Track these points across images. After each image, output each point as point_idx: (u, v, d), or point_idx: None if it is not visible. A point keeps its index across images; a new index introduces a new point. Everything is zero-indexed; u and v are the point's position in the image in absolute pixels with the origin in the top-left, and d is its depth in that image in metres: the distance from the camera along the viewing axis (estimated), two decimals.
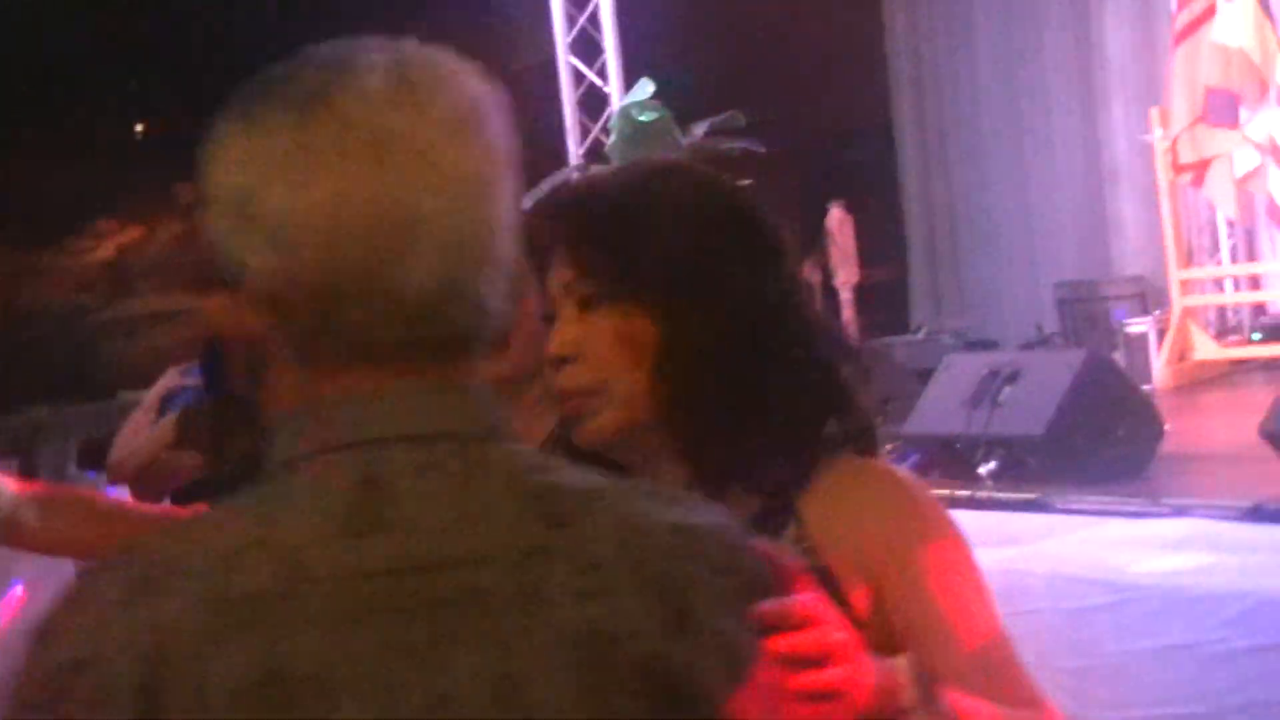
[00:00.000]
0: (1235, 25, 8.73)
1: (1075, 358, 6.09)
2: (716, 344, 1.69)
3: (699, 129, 8.03)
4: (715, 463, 1.70)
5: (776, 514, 1.70)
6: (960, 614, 1.69)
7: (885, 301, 10.51)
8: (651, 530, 1.18)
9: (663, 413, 1.70)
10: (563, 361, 1.72)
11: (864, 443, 1.77)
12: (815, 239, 9.07)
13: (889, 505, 1.72)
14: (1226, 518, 4.92)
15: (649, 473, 1.73)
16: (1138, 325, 9.03)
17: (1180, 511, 5.06)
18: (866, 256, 9.25)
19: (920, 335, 10.46)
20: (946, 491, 5.89)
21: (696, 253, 1.71)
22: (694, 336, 1.69)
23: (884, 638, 1.62)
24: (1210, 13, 8.93)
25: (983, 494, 5.74)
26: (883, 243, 10.71)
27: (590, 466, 1.57)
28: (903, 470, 1.84)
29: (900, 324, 10.84)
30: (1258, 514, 4.85)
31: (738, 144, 7.94)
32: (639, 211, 1.74)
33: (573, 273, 1.72)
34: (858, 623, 1.60)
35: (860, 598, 1.67)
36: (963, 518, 5.27)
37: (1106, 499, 5.40)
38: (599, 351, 1.70)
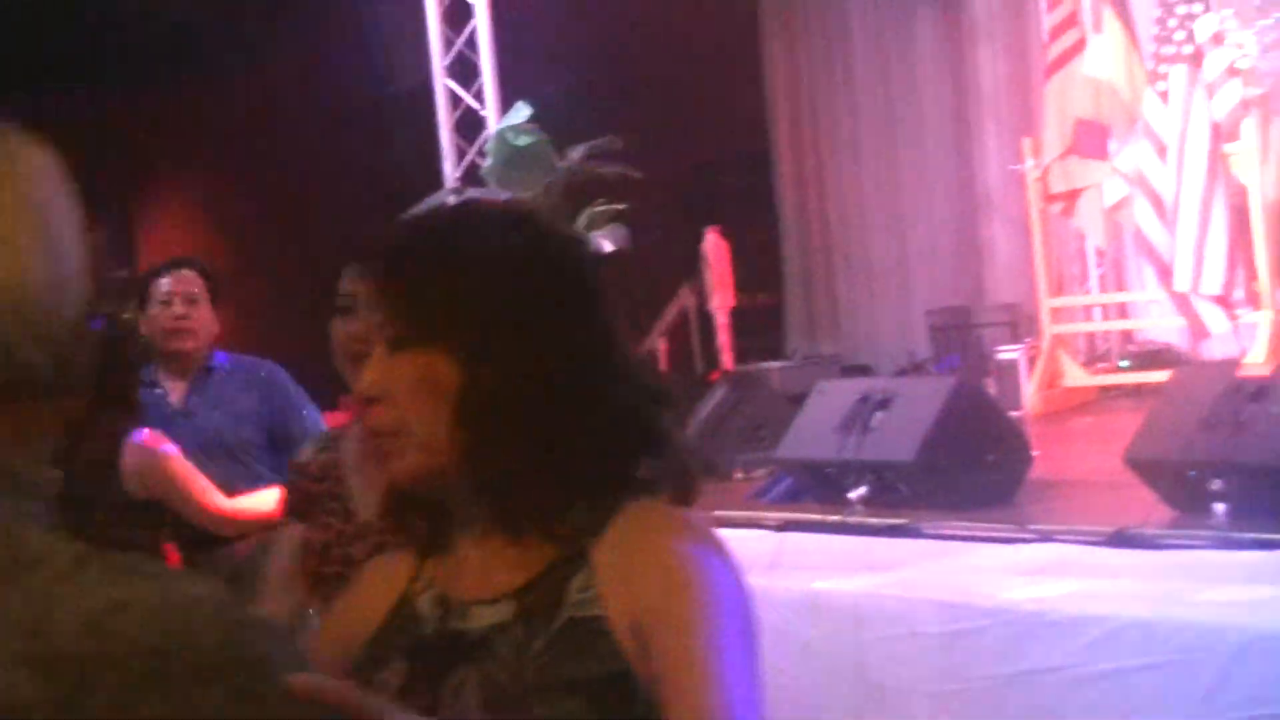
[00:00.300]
0: (1105, 58, 8.88)
1: (945, 385, 6.15)
2: (517, 391, 1.69)
3: (576, 153, 8.03)
4: (512, 509, 1.71)
5: (570, 561, 1.70)
6: (709, 681, 1.65)
7: (761, 327, 10.56)
8: (71, 606, 1.14)
9: (462, 457, 1.70)
10: (370, 401, 1.73)
11: (680, 487, 1.79)
12: (691, 263, 9.08)
13: (668, 558, 1.70)
14: (1091, 543, 4.98)
15: (461, 514, 1.74)
16: (1009, 352, 9.14)
17: (1046, 537, 5.12)
18: (742, 282, 9.27)
19: (795, 360, 10.52)
20: (818, 516, 5.94)
21: (500, 298, 1.72)
22: (494, 383, 1.69)
23: (650, 690, 1.63)
24: (1080, 45, 9.08)
25: (854, 519, 5.78)
26: (759, 268, 10.76)
27: (414, 506, 1.68)
28: (698, 521, 1.78)
29: (776, 349, 10.90)
30: (1121, 539, 4.92)
31: (614, 168, 7.94)
32: (444, 254, 1.75)
33: (382, 314, 1.73)
34: (627, 674, 1.63)
35: (631, 648, 1.66)
36: (834, 543, 5.34)
37: (975, 525, 5.45)
38: (402, 393, 1.70)
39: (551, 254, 1.79)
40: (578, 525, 1.71)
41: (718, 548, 1.75)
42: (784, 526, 5.91)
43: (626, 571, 1.68)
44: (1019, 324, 9.75)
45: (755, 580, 5.29)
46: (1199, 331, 8.59)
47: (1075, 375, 9.17)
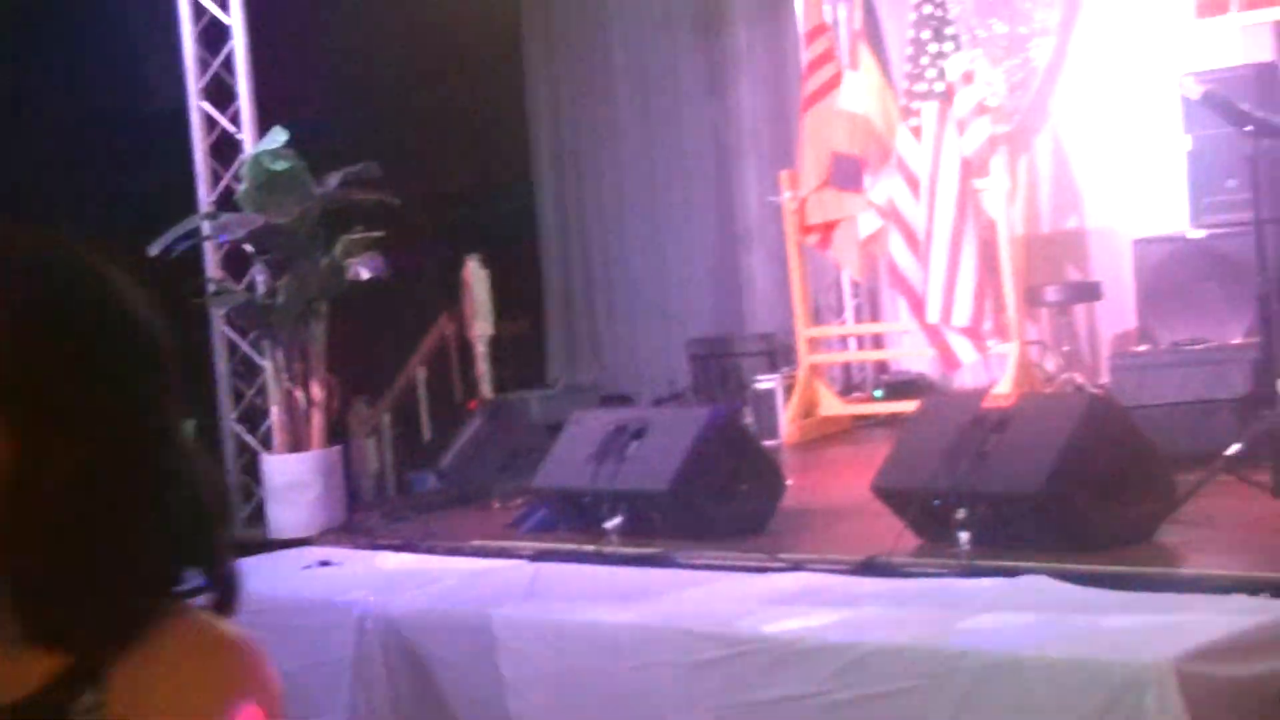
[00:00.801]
0: (860, 94, 9.05)
1: (699, 415, 6.19)
2: (33, 474, 1.46)
3: (333, 179, 7.92)
4: (18, 611, 1.49)
5: (79, 677, 1.49)
6: None
7: (522, 355, 10.52)
8: None
9: None
10: None
11: (223, 598, 1.55)
12: (451, 291, 9.02)
13: (189, 691, 1.49)
14: (840, 571, 5.05)
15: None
16: (766, 382, 9.25)
17: (797, 566, 5.18)
18: (504, 310, 9.24)
19: (556, 389, 10.52)
20: (573, 546, 5.93)
21: (18, 361, 1.46)
22: (14, 472, 1.46)
23: None
24: (836, 81, 9.24)
25: (608, 549, 5.79)
26: (521, 296, 10.74)
27: None
28: (238, 642, 1.53)
29: (536, 378, 10.88)
30: (869, 568, 4.99)
31: (373, 195, 7.86)
32: None
33: None
34: None
35: None
36: (589, 572, 5.32)
37: (728, 554, 5.50)
38: None
39: (95, 313, 1.52)
40: (96, 636, 1.48)
41: (250, 675, 1.53)
42: (539, 556, 5.90)
43: (145, 695, 1.47)
44: (777, 354, 9.86)
45: (509, 611, 5.29)
46: (950, 362, 8.78)
47: (831, 405, 9.32)
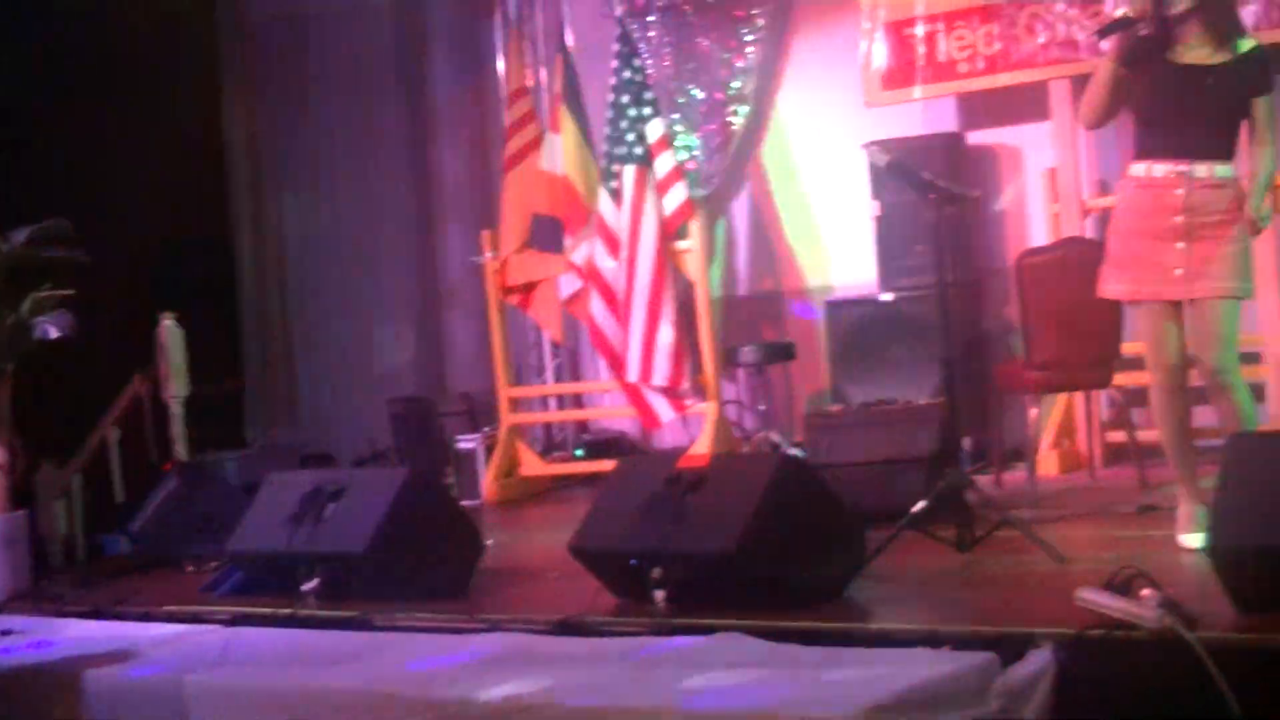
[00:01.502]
0: (561, 155, 9.13)
1: (397, 476, 6.15)
2: None
3: (19, 235, 7.67)
4: None
5: None
6: None
7: (220, 415, 10.31)
8: None
9: None
10: None
11: None
12: (146, 351, 8.79)
13: None
14: (538, 631, 5.06)
15: None
16: (467, 441, 9.23)
17: (495, 626, 5.17)
18: (202, 370, 9.04)
19: (254, 450, 10.33)
20: (269, 610, 5.82)
21: None
22: None
23: None
24: (538, 142, 9.31)
25: (305, 612, 5.70)
26: (219, 356, 10.54)
27: None
28: None
29: (235, 438, 10.67)
30: (566, 627, 5.01)
31: (62, 253, 7.63)
32: None
33: None
34: None
35: None
36: (285, 636, 5.21)
37: (427, 615, 5.45)
38: None
39: None
40: None
41: None
42: (234, 621, 5.78)
43: None
44: (478, 413, 9.85)
45: (202, 677, 5.14)
46: (649, 421, 8.88)
47: (532, 464, 9.34)
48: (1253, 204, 5.41)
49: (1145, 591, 4.28)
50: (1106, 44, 5.58)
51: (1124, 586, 4.36)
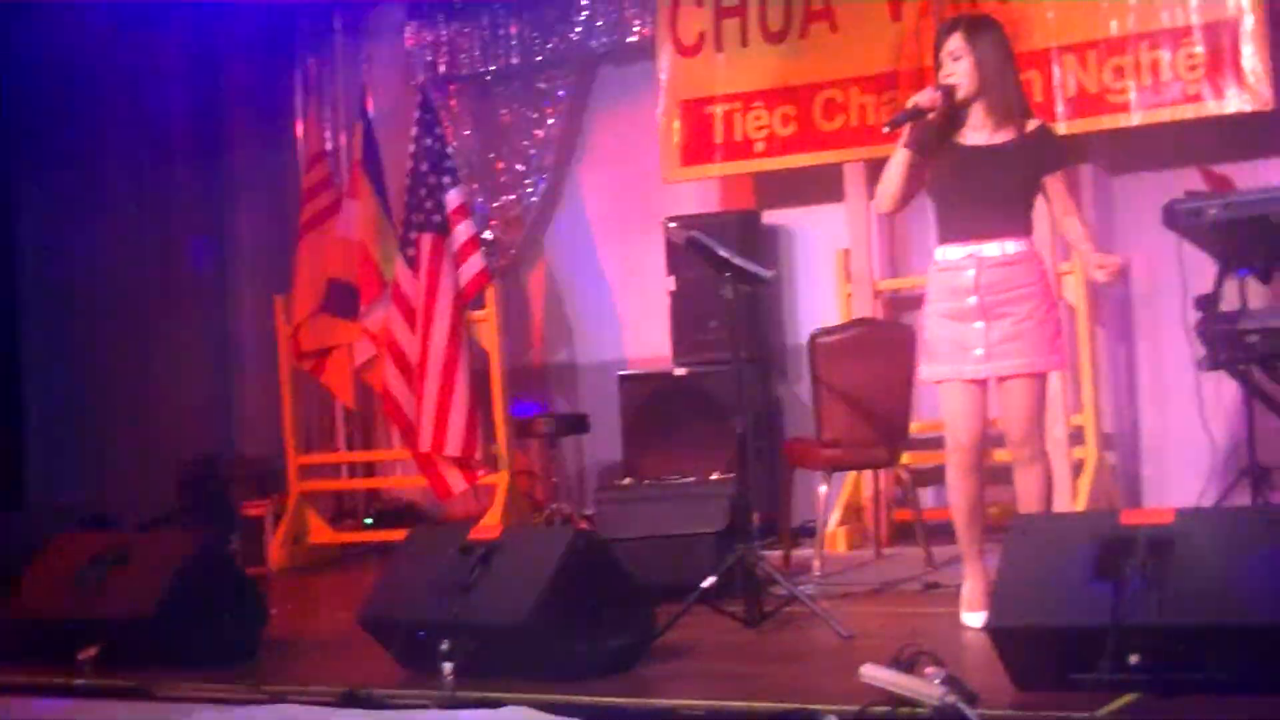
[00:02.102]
0: (358, 221, 9.07)
1: (185, 540, 6.03)
2: None
3: None
4: None
5: None
6: None
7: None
8: None
9: None
10: None
11: None
12: None
13: None
14: (322, 703, 4.98)
15: None
16: (256, 508, 9.09)
17: (278, 698, 5.08)
18: None
19: (33, 511, 10.04)
20: (43, 679, 5.65)
21: None
22: None
23: None
24: (335, 208, 9.25)
25: (81, 681, 5.54)
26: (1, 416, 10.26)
27: None
28: None
29: (13, 498, 10.37)
30: (351, 699, 4.94)
31: None
32: None
33: None
34: None
35: None
36: (59, 707, 5.06)
37: (208, 685, 5.34)
38: None
39: None
40: None
41: None
42: (2, 690, 5.60)
43: None
44: (267, 479, 9.71)
45: None
46: (441, 491, 8.82)
47: (321, 532, 9.23)
48: (1091, 259, 5.54)
49: (929, 669, 4.34)
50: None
51: (908, 663, 4.42)
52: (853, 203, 8.53)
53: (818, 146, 8.50)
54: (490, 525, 6.44)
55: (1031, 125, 5.59)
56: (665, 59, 8.89)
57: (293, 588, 8.23)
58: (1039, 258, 5.60)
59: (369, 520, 9.79)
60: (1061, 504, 7.56)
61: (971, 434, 5.59)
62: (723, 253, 5.92)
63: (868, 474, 8.12)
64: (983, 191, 5.52)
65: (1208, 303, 6.22)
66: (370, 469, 10.34)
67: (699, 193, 9.14)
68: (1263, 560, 4.02)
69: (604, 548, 5.39)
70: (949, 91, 5.57)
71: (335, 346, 9.14)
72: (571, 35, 9.53)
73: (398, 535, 7.48)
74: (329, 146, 10.08)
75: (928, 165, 5.63)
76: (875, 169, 8.17)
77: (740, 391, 6.02)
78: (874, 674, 4.43)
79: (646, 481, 7.48)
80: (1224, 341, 6.19)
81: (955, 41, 5.58)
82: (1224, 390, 6.96)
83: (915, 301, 8.24)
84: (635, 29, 9.30)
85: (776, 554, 7.62)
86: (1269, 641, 3.93)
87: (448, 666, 4.98)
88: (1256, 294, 6.79)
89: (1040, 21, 7.89)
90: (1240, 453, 7.03)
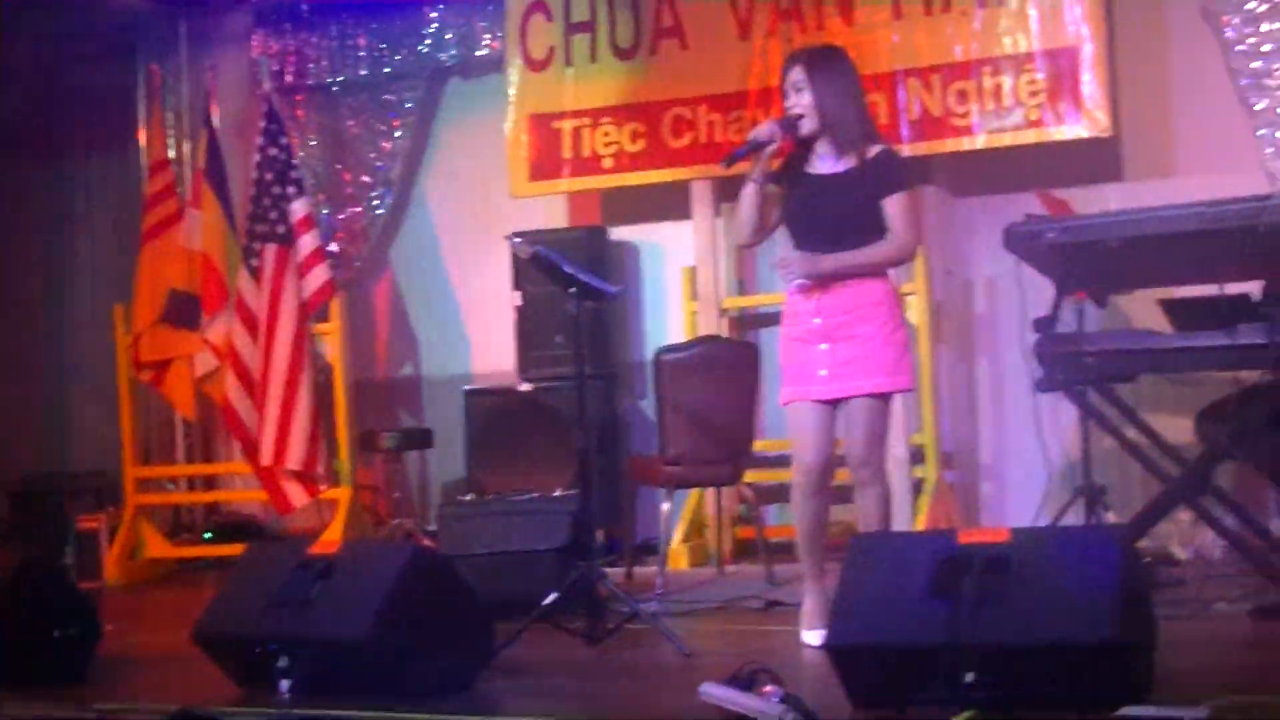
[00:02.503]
0: (201, 230, 8.94)
1: (14, 555, 5.90)
2: None
3: None
4: None
5: None
6: None
7: None
8: None
9: None
10: None
11: None
12: None
13: None
14: None
15: None
16: (90, 521, 8.92)
17: (110, 716, 4.98)
18: None
19: None
20: None
21: None
22: None
23: None
24: (178, 216, 9.10)
25: None
26: None
27: None
28: None
29: None
30: (184, 717, 4.84)
31: None
32: None
33: None
34: None
35: None
36: None
37: (38, 703, 5.21)
38: None
39: None
40: None
41: None
42: None
43: None
44: (104, 493, 9.54)
45: None
46: (282, 505, 8.71)
47: (158, 546, 9.08)
48: (825, 260, 5.56)
49: (767, 687, 4.36)
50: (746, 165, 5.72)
51: (747, 681, 4.44)
52: (700, 220, 8.57)
53: (666, 164, 8.53)
54: (330, 540, 6.36)
55: (874, 151, 5.63)
56: (514, 73, 8.87)
57: (128, 603, 8.07)
58: (885, 280, 5.64)
59: (208, 534, 9.64)
60: (902, 523, 7.64)
61: (818, 456, 5.61)
62: (568, 269, 5.91)
63: (711, 491, 8.15)
64: (827, 219, 5.56)
65: (1045, 325, 6.31)
66: (210, 482, 10.19)
67: (548, 208, 9.13)
68: (1093, 578, 4.09)
69: (444, 564, 5.35)
70: (792, 123, 5.61)
71: (176, 358, 8.99)
72: (420, 47, 9.49)
73: (237, 550, 7.37)
74: (172, 154, 9.93)
75: (780, 195, 5.66)
76: (723, 187, 8.28)
77: (583, 408, 6.00)
78: (713, 692, 4.44)
79: (489, 497, 7.45)
80: (1060, 363, 6.28)
81: (797, 74, 5.63)
82: (1061, 411, 7.06)
83: (762, 320, 8.34)
84: (485, 42, 9.29)
85: (619, 571, 7.63)
86: (1100, 658, 3.99)
87: (284, 684, 4.91)
88: (1093, 317, 6.93)
89: (885, 45, 8.00)
90: (1076, 472, 7.15)
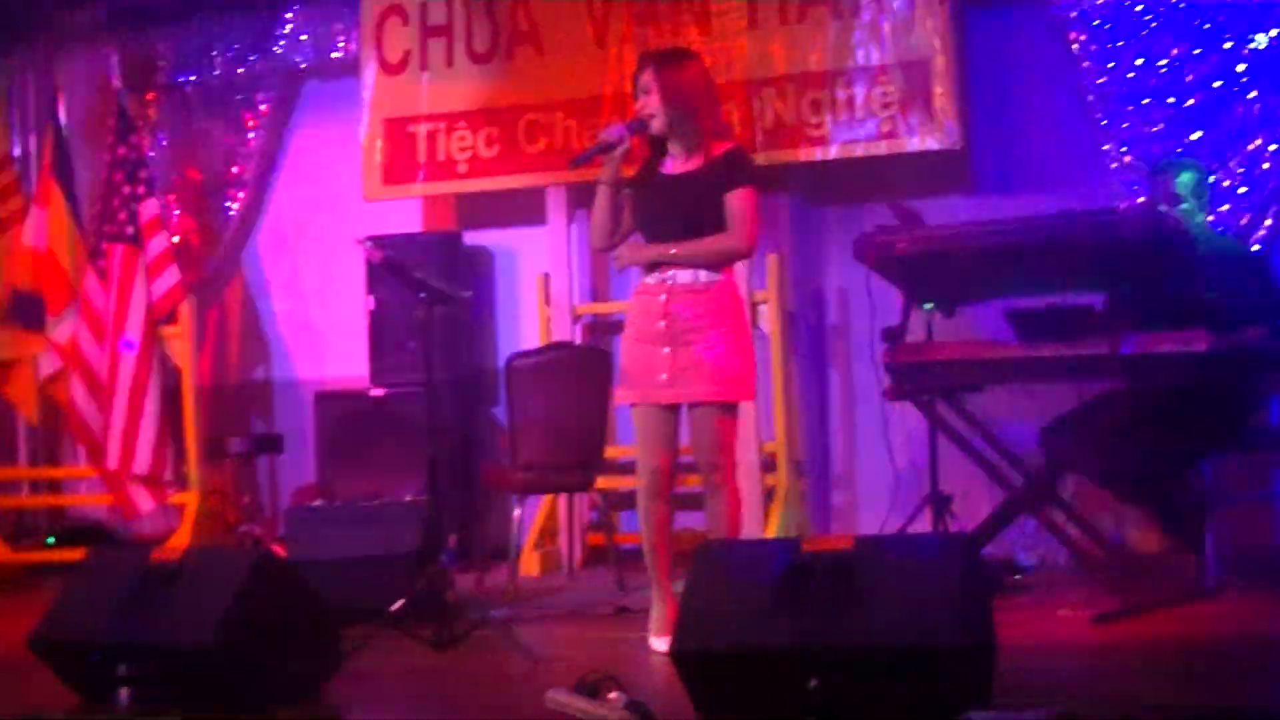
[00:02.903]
0: (47, 230, 8.77)
1: None
2: None
3: None
4: None
5: None
6: None
7: None
8: None
9: None
10: None
11: None
12: None
13: None
14: None
15: None
16: None
17: None
18: None
19: None
20: None
21: None
22: None
23: None
24: (21, 214, 8.93)
25: None
26: None
27: None
28: None
29: None
30: None
31: None
32: None
33: None
34: None
35: None
36: None
37: None
38: None
39: None
40: None
41: None
42: None
43: None
44: None
45: None
46: (129, 511, 8.59)
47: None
48: (650, 249, 5.59)
49: (612, 694, 4.36)
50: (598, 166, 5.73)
51: (592, 688, 4.44)
52: (554, 226, 8.56)
53: (521, 169, 8.51)
54: (175, 546, 6.27)
55: (722, 148, 5.66)
56: (370, 76, 8.81)
57: None
58: (733, 287, 5.66)
59: (51, 540, 9.44)
60: (754, 530, 7.68)
61: (661, 459, 5.63)
62: (418, 273, 5.87)
63: (563, 497, 8.14)
64: (675, 219, 5.57)
65: (894, 335, 6.38)
66: (55, 486, 9.99)
67: (403, 212, 9.06)
68: (935, 585, 4.13)
69: (289, 570, 5.28)
70: (641, 125, 5.64)
71: (19, 359, 8.82)
72: (275, 49, 9.38)
73: (82, 555, 7.25)
74: (17, 151, 9.73)
75: (631, 197, 5.68)
76: (578, 193, 8.28)
77: (433, 413, 5.98)
78: (559, 699, 4.44)
79: (339, 503, 7.39)
80: (908, 373, 6.35)
81: (647, 76, 5.66)
82: (910, 420, 7.14)
83: (615, 326, 8.34)
84: (340, 45, 9.20)
85: (472, 577, 7.60)
86: (943, 665, 4.03)
87: (124, 692, 4.83)
88: (941, 327, 7.01)
89: (740, 54, 8.04)
90: (924, 481, 7.23)
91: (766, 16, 8.03)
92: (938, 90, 7.67)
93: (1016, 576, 6.94)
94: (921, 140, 7.72)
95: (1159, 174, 6.79)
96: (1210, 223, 7.47)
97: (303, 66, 9.41)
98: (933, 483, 7.10)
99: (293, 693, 4.96)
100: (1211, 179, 7.10)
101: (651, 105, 5.64)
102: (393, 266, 5.89)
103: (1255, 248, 7.50)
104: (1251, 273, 6.90)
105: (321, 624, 5.17)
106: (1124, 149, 7.71)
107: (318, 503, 7.53)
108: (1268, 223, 7.57)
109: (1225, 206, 7.58)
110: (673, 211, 5.59)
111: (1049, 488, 6.35)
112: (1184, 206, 6.74)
